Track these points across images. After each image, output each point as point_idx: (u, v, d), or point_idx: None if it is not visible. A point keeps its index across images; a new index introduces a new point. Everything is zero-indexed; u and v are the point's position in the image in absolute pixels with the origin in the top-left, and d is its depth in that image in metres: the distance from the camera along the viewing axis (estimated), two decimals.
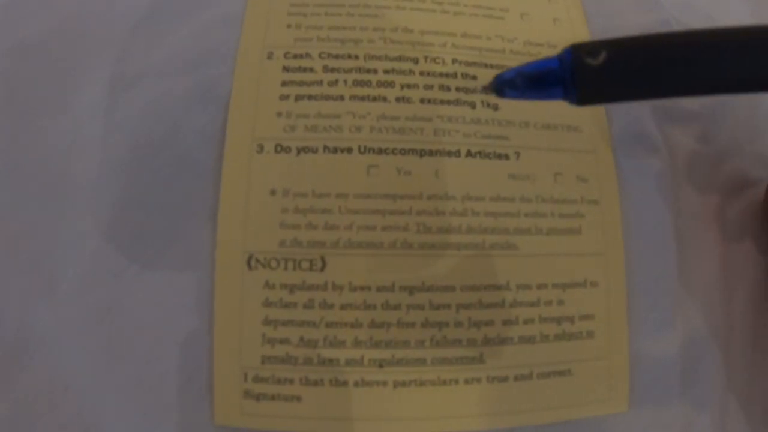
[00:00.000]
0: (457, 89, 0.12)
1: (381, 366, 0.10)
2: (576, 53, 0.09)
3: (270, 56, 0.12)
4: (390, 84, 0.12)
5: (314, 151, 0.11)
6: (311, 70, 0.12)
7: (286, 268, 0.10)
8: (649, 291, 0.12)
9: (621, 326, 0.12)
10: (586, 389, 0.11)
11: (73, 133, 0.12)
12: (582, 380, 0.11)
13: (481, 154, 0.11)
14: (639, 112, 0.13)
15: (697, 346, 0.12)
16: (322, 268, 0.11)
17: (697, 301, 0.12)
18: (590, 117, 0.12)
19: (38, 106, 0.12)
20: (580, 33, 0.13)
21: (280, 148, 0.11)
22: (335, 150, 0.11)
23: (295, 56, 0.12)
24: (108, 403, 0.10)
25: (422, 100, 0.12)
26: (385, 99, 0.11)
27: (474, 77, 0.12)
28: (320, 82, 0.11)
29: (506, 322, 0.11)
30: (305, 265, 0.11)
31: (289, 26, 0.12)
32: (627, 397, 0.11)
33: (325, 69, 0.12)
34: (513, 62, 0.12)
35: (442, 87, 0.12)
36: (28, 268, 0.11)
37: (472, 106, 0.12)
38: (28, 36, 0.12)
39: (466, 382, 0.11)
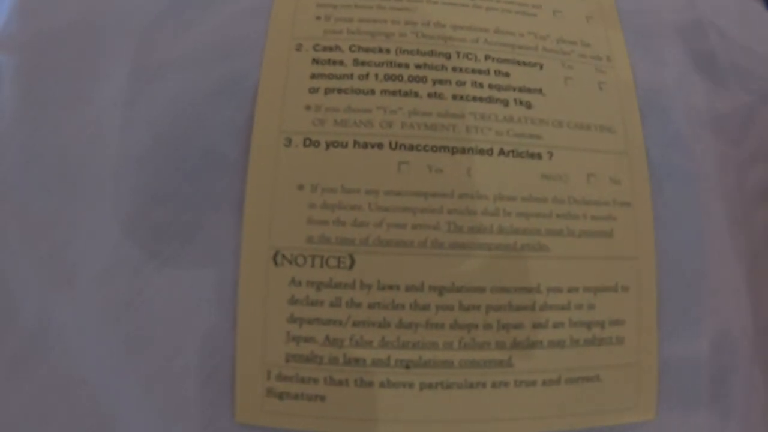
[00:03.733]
0: (490, 86, 0.11)
1: (408, 367, 0.10)
2: None
3: (299, 48, 0.11)
4: (422, 79, 0.11)
5: (344, 145, 0.11)
6: (341, 63, 0.11)
7: (313, 265, 0.10)
8: (679, 296, 0.11)
9: (651, 332, 0.11)
10: (614, 396, 0.11)
11: (95, 124, 0.11)
12: (610, 387, 0.11)
13: (514, 153, 0.11)
14: (673, 114, 0.13)
15: (726, 354, 0.12)
16: (351, 266, 0.10)
17: (727, 306, 0.12)
18: (624, 118, 0.12)
19: (60, 97, 0.11)
20: (613, 31, 0.13)
21: (309, 142, 0.11)
22: (365, 145, 0.11)
23: (325, 48, 0.11)
24: (126, 398, 0.10)
25: (454, 97, 0.11)
26: (416, 94, 0.11)
27: (507, 74, 0.11)
28: (350, 76, 0.11)
29: (536, 326, 0.10)
30: (333, 262, 0.10)
31: (318, 18, 0.12)
32: (655, 404, 0.11)
33: (356, 62, 0.11)
34: (546, 60, 0.12)
35: (474, 83, 0.11)
36: (48, 260, 0.11)
37: (505, 103, 0.11)
38: (49, 26, 0.12)
39: (494, 386, 0.10)
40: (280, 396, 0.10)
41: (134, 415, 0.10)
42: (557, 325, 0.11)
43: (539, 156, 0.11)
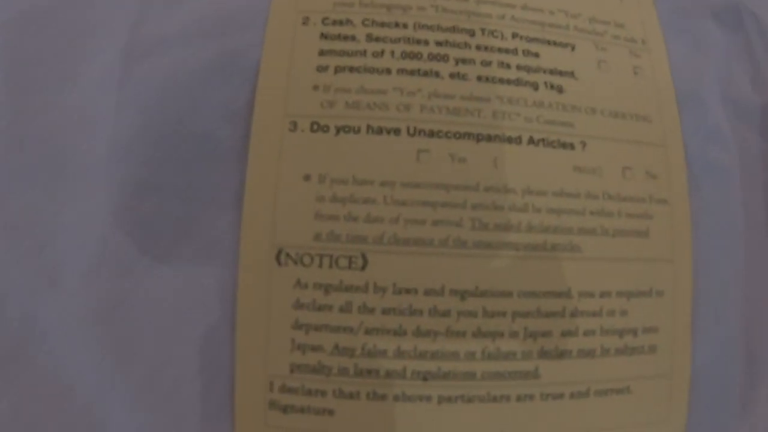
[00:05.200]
0: (518, 67, 0.10)
1: (425, 379, 0.09)
2: None
3: (305, 22, 0.10)
4: (443, 58, 0.10)
5: (356, 131, 0.09)
6: (353, 38, 0.10)
7: (320, 266, 0.09)
8: (715, 303, 0.10)
9: (685, 341, 0.10)
10: (644, 409, 0.10)
11: (82, 108, 0.10)
12: (641, 399, 0.10)
13: (545, 142, 0.10)
14: (710, 105, 0.11)
15: (758, 362, 0.11)
16: (363, 267, 0.09)
17: (761, 312, 0.11)
18: (660, 107, 0.11)
19: (44, 79, 0.10)
20: (647, 12, 0.11)
21: (317, 127, 0.09)
22: (380, 130, 0.09)
23: (335, 22, 0.10)
24: (117, 408, 0.09)
25: (479, 78, 0.10)
26: (437, 74, 0.10)
27: (536, 54, 0.10)
28: (363, 53, 0.10)
29: (565, 334, 0.09)
30: (343, 262, 0.09)
31: None
32: (686, 417, 0.10)
33: (369, 38, 0.10)
34: (578, 40, 0.11)
35: (501, 64, 0.10)
36: (31, 257, 0.09)
37: (535, 87, 0.10)
38: (33, 4, 0.11)
39: (518, 399, 0.09)
40: (284, 409, 0.09)
41: (125, 426, 0.09)
42: (588, 333, 0.09)
43: (572, 146, 0.10)
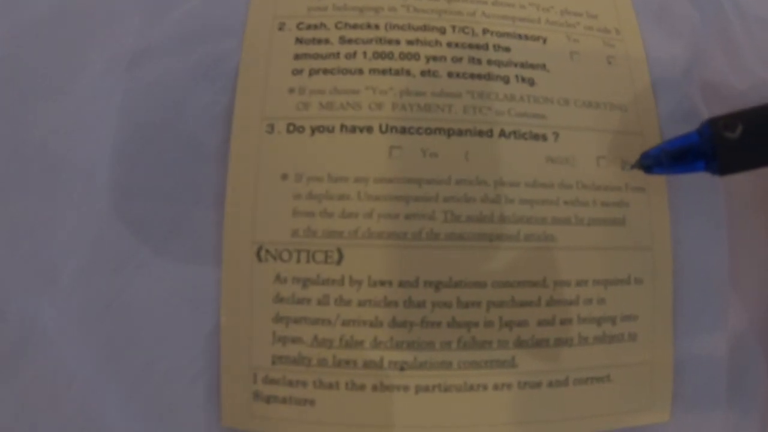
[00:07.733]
0: (489, 62, 0.10)
1: (402, 369, 0.09)
2: (714, 128, 0.09)
3: (281, 27, 0.10)
4: (414, 56, 0.10)
5: (330, 130, 0.09)
6: (327, 41, 0.10)
7: (298, 261, 0.09)
8: (698, 290, 0.10)
9: (666, 329, 0.10)
10: (625, 397, 0.10)
11: (74, 115, 0.10)
12: (622, 387, 0.10)
13: (516, 135, 0.10)
14: (688, 90, 0.11)
15: (745, 351, 0.10)
16: (339, 261, 0.09)
17: (747, 299, 0.11)
18: (636, 95, 0.11)
19: (39, 89, 0.11)
20: (622, 1, 0.11)
21: (293, 128, 0.10)
22: (353, 129, 0.09)
23: (309, 27, 0.10)
24: (112, 400, 0.09)
25: (450, 74, 0.10)
26: (408, 72, 0.10)
27: (507, 49, 0.10)
28: (336, 55, 0.10)
29: (541, 323, 0.09)
30: (320, 257, 0.09)
31: None
32: (670, 406, 0.10)
33: (342, 40, 0.10)
34: (549, 33, 0.11)
35: (472, 59, 0.10)
36: (30, 259, 0.10)
37: (506, 80, 0.10)
38: (29, 17, 0.11)
39: (496, 387, 0.09)
40: (268, 400, 0.09)
41: (120, 418, 0.09)
42: (564, 322, 0.09)
43: (544, 137, 0.10)
